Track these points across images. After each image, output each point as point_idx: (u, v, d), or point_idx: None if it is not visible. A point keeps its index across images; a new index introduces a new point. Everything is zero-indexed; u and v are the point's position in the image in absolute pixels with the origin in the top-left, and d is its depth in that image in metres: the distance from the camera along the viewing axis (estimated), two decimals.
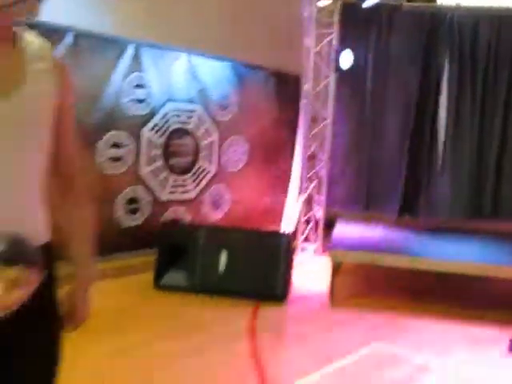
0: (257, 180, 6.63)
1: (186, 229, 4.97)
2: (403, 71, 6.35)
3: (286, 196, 6.57)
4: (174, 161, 5.54)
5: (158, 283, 4.67)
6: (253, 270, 4.59)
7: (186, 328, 3.91)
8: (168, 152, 5.46)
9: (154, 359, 3.33)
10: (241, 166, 6.44)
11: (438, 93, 6.31)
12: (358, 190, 6.65)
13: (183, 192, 5.70)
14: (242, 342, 3.71)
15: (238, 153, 6.37)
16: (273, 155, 6.81)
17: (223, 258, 4.63)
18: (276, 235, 5.27)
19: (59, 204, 1.49)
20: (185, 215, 5.68)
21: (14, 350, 1.24)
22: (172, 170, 5.52)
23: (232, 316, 4.22)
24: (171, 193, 5.54)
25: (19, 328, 1.20)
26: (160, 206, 5.41)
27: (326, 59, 6.49)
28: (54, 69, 1.33)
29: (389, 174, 6.44)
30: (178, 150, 5.56)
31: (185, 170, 5.68)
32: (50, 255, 1.35)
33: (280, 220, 6.53)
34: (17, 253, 1.12)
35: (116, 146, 4.91)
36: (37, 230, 1.33)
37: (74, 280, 1.47)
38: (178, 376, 3.15)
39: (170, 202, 5.54)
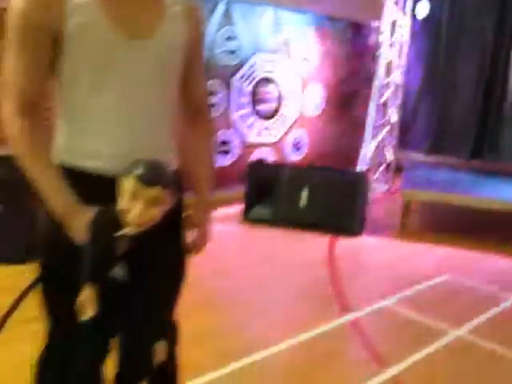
0: (333, 125, 6.51)
1: (271, 168, 4.99)
2: (478, 21, 5.92)
3: (360, 140, 6.43)
4: (260, 107, 5.54)
5: (246, 216, 4.77)
6: (331, 205, 4.58)
7: (270, 256, 3.99)
8: (255, 99, 5.46)
9: (240, 283, 3.43)
10: (319, 112, 6.32)
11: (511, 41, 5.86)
12: (429, 134, 6.42)
13: (268, 135, 5.71)
14: (321, 270, 3.76)
15: (316, 100, 6.25)
16: (349, 102, 6.64)
17: (304, 194, 4.64)
18: (353, 174, 5.18)
19: (185, 135, 1.48)
20: (269, 156, 5.71)
21: (148, 265, 1.25)
22: (258, 115, 5.54)
23: (312, 247, 4.26)
24: (257, 136, 5.58)
25: (153, 244, 1.21)
26: (248, 147, 5.47)
27: (402, 9, 6.13)
28: (188, 11, 1.33)
29: (460, 120, 6.15)
30: (263, 97, 5.56)
31: (269, 116, 5.68)
32: (178, 181, 1.36)
33: (354, 162, 6.42)
34: (155, 175, 1.13)
35: (210, 93, 4.95)
36: (169, 157, 1.35)
37: (195, 206, 1.45)
38: (263, 299, 3.24)
39: (257, 144, 5.58)
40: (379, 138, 6.44)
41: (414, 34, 6.23)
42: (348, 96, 6.62)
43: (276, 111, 5.74)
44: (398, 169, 6.44)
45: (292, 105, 5.91)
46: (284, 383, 2.34)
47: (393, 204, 5.46)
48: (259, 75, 5.42)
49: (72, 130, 1.26)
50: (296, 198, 4.65)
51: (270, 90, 5.62)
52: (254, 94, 5.42)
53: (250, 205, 4.77)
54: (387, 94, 6.36)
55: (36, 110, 1.22)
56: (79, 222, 1.18)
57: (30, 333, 2.58)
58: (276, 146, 5.83)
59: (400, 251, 4.30)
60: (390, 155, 6.52)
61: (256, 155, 5.56)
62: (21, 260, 3.51)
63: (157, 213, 1.15)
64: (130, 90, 1.23)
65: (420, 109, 6.50)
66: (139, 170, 1.11)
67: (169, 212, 1.21)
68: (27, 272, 3.33)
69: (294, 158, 6.08)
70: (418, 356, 2.63)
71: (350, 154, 6.53)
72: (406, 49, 6.27)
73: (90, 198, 1.21)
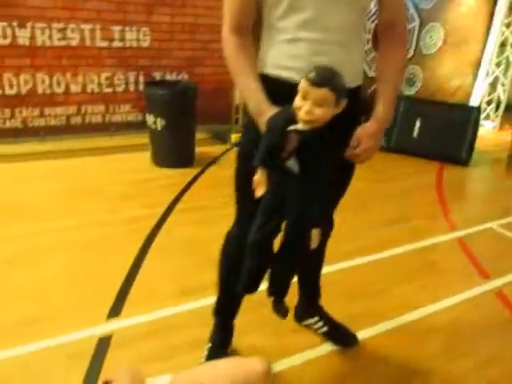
0: (448, 62, 5.93)
1: None
2: None
3: (474, 77, 5.82)
4: None
5: None
6: (442, 136, 4.29)
7: (384, 178, 3.86)
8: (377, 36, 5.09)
9: (361, 196, 3.34)
10: (435, 49, 5.77)
11: None
12: None
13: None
14: (430, 192, 3.60)
15: (434, 38, 5.69)
16: (466, 40, 5.96)
17: (417, 124, 4.38)
18: (465, 108, 4.77)
19: (377, 49, 1.36)
20: None
21: (316, 161, 1.19)
22: None
23: (422, 172, 4.06)
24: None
25: (323, 143, 1.15)
26: (368, 81, 5.18)
27: None
28: None
29: None
30: None
31: None
32: (357, 98, 1.30)
33: (466, 98, 5.87)
34: (323, 79, 1.08)
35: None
36: (351, 72, 1.27)
37: (370, 120, 1.30)
38: (380, 211, 3.19)
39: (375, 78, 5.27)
40: (493, 76, 5.78)
41: None
42: (466, 34, 5.93)
43: None
44: (508, 108, 5.80)
45: (411, 42, 5.45)
46: (398, 280, 2.35)
47: (500, 140, 4.97)
48: None
49: (270, 47, 1.30)
50: (409, 128, 4.41)
51: None
52: (375, 31, 5.05)
53: None
54: (506, 33, 5.61)
55: (245, 31, 1.30)
56: (265, 118, 1.22)
57: (188, 220, 2.84)
58: None
59: (505, 183, 3.96)
60: (502, 94, 5.86)
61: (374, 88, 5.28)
62: (179, 165, 3.77)
63: (323, 113, 1.10)
64: (322, 10, 1.19)
65: None
66: (311, 73, 1.09)
67: (341, 120, 1.13)
68: (184, 175, 3.61)
69: (409, 92, 5.69)
70: None
71: (463, 90, 5.96)
72: None
73: (281, 101, 1.22)
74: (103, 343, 1.77)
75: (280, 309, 1.39)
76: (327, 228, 1.61)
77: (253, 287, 1.35)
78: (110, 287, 2.12)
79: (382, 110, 1.32)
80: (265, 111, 1.23)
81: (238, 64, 1.29)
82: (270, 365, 0.94)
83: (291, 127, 1.15)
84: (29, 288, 2.09)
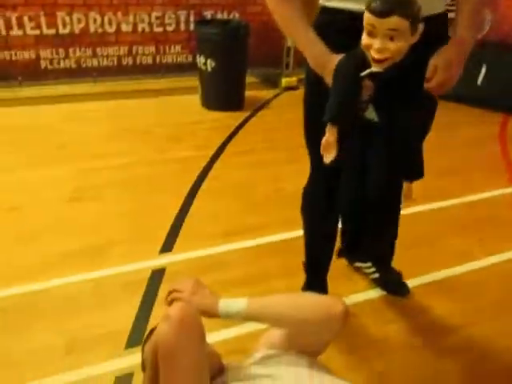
0: None
1: None
2: None
3: None
4: None
5: None
6: (509, 85, 3.98)
7: (442, 128, 3.64)
8: None
9: None
10: None
11: None
12: None
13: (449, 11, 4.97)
14: (492, 145, 3.39)
15: None
16: None
17: (483, 71, 4.08)
18: None
19: None
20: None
21: (396, 105, 1.11)
22: None
23: (484, 123, 3.81)
24: None
25: (400, 85, 1.06)
26: None
27: None
28: None
29: None
30: None
31: None
32: (443, 27, 1.19)
33: None
34: (389, 5, 0.94)
35: None
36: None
37: (446, 47, 1.14)
38: (437, 163, 3.06)
39: None
40: None
41: None
42: None
43: None
44: None
45: None
46: (452, 231, 2.29)
47: None
48: None
49: None
50: (473, 75, 4.12)
51: None
52: None
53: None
54: None
55: None
56: (330, 68, 1.13)
57: (236, 163, 2.86)
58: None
59: None
60: None
61: None
62: (229, 108, 3.74)
63: (398, 47, 0.97)
64: None
65: None
66: (374, 2, 0.95)
67: (414, 47, 1.01)
68: (233, 118, 3.60)
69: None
70: None
71: None
72: None
73: (344, 37, 1.10)
74: (156, 275, 1.85)
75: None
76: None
77: (353, 250, 1.32)
78: (161, 224, 2.19)
79: (460, 30, 1.15)
80: (327, 61, 1.13)
81: (286, 15, 1.20)
82: (347, 306, 0.96)
83: (364, 72, 1.04)
84: (87, 221, 2.20)
